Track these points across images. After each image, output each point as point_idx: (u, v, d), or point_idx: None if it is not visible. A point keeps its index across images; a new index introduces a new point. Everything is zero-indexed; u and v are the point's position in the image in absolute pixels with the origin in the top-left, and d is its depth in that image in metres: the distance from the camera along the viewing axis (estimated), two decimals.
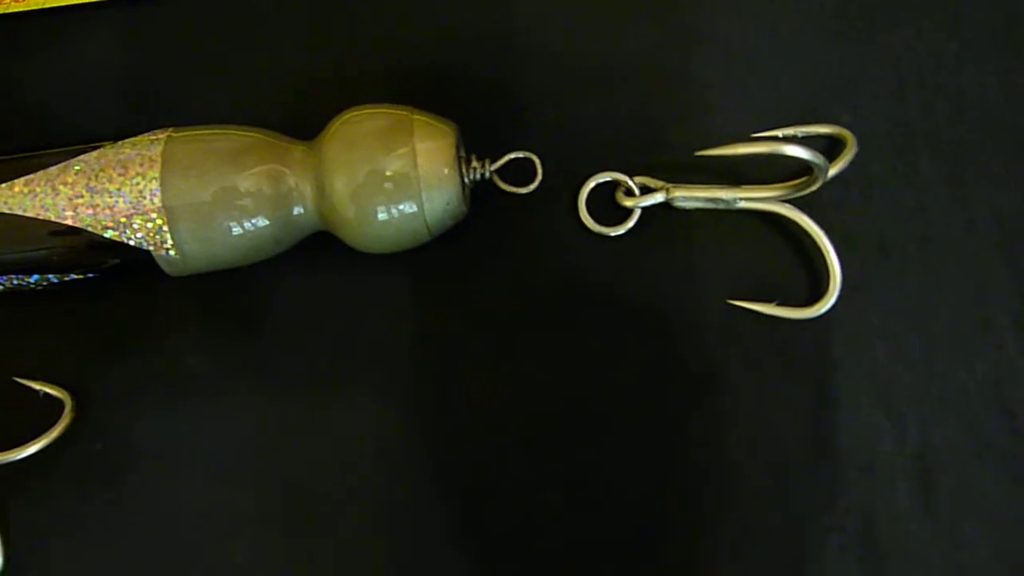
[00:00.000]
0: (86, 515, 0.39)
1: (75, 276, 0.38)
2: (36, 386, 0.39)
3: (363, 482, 0.38)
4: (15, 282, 0.38)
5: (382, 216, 0.37)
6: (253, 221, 0.37)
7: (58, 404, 0.38)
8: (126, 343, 0.40)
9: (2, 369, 0.39)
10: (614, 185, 0.40)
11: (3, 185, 0.37)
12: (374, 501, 0.38)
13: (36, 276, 0.38)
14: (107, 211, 0.36)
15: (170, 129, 0.38)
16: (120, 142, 0.37)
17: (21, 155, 0.38)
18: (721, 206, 0.38)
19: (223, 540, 0.38)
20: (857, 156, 0.38)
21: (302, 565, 0.38)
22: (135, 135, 0.38)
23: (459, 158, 0.37)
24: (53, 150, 0.38)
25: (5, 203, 0.36)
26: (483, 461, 0.38)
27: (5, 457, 0.38)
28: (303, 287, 0.40)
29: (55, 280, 0.38)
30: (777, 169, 0.39)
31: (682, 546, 0.37)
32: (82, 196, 0.36)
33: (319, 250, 0.39)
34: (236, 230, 0.37)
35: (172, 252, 0.37)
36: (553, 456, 0.38)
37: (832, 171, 0.38)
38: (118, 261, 0.37)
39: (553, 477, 0.38)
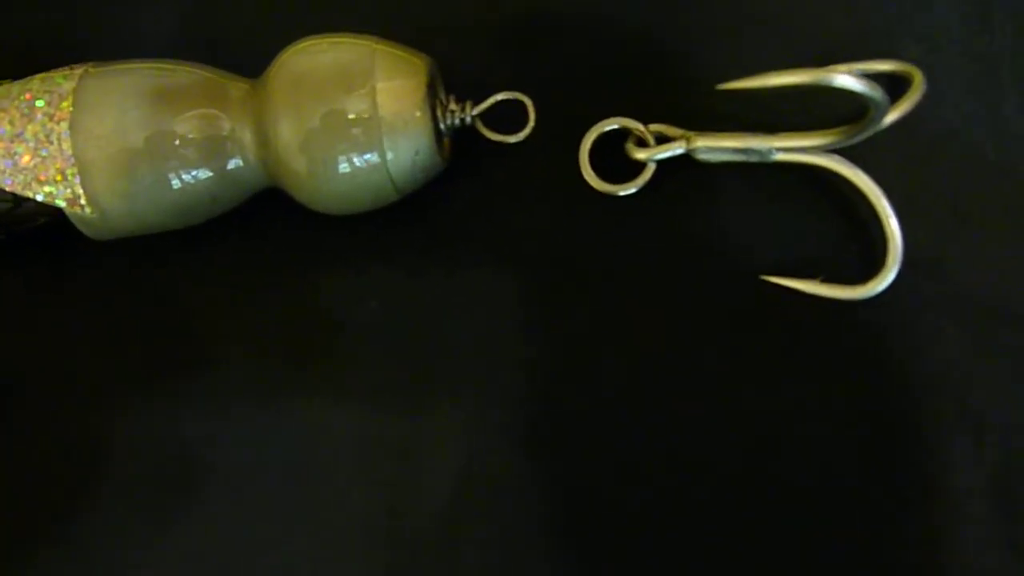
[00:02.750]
0: None
1: None
2: None
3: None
4: None
5: (338, 168, 0.30)
6: (183, 174, 0.30)
7: None
8: (38, 316, 0.34)
9: None
10: (623, 134, 0.33)
11: None
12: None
13: None
14: (7, 159, 0.30)
15: (89, 63, 0.31)
16: (27, 78, 0.31)
17: None
18: (753, 159, 0.31)
19: None
20: (925, 98, 0.31)
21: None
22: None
23: (433, 99, 0.31)
24: None
25: None
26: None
27: None
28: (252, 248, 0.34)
29: None
30: (823, 114, 0.31)
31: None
32: None
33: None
34: (162, 184, 0.30)
35: (88, 210, 0.30)
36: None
37: (892, 115, 0.30)
38: (22, 219, 0.31)
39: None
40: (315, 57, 0.30)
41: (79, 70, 0.31)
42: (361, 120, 0.30)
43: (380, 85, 0.30)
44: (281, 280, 0.34)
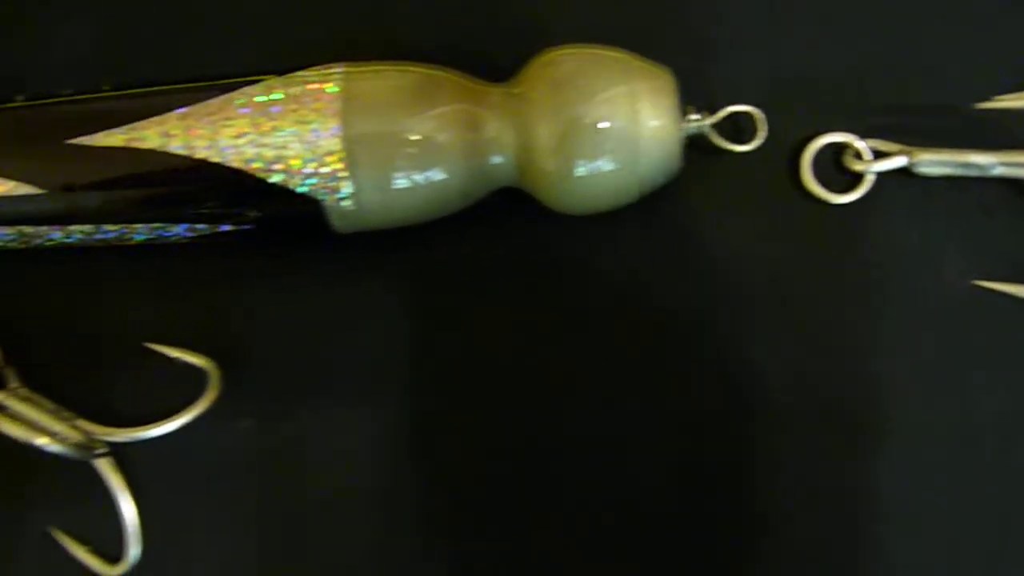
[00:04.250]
0: (225, 499, 0.34)
1: (227, 228, 0.33)
2: (173, 353, 0.34)
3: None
4: (156, 232, 0.33)
5: (591, 171, 0.32)
6: (443, 170, 0.32)
7: (200, 375, 0.33)
8: (278, 309, 0.35)
9: (137, 334, 0.34)
10: (837, 147, 0.35)
11: (154, 118, 0.32)
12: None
13: (184, 226, 0.33)
14: (275, 152, 0.31)
15: (343, 64, 0.33)
16: (288, 75, 0.32)
17: (171, 86, 0.33)
18: (973, 173, 0.33)
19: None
20: None
21: None
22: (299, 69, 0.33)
23: (680, 110, 0.33)
24: (206, 82, 0.32)
25: (162, 136, 0.31)
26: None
27: (140, 433, 0.32)
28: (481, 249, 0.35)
29: (204, 232, 0.33)
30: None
31: None
32: (246, 134, 0.31)
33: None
34: (422, 179, 0.32)
35: (347, 202, 0.32)
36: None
37: None
38: (282, 211, 0.32)
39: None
40: (572, 65, 0.32)
41: (339, 69, 0.32)
42: (620, 127, 0.31)
43: (640, 95, 0.31)
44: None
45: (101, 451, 0.32)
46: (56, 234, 0.33)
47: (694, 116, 0.33)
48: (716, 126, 0.34)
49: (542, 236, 0.35)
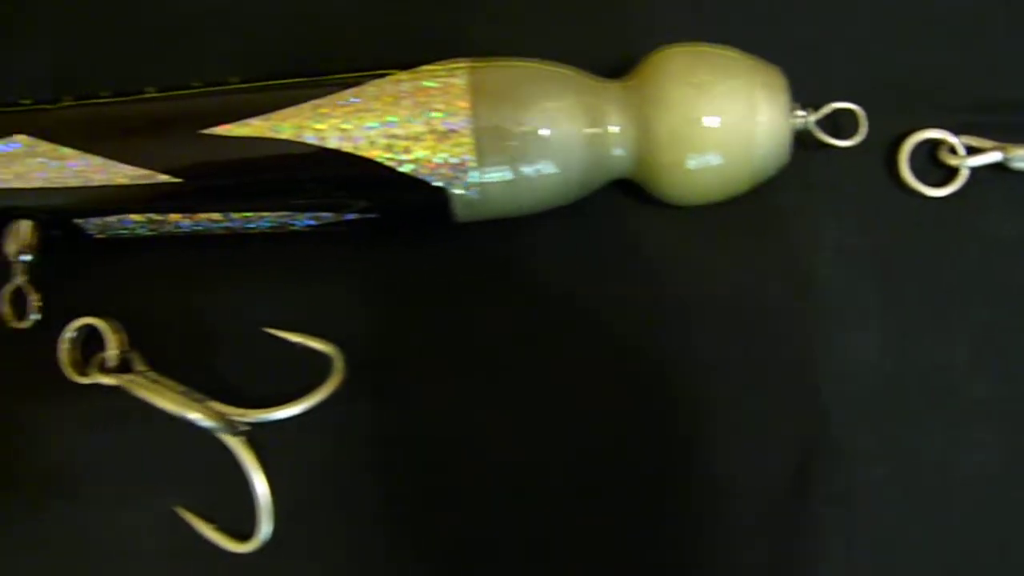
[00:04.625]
0: (350, 484, 0.35)
1: (352, 216, 0.34)
2: (295, 339, 0.35)
3: None
4: (282, 221, 0.34)
5: (706, 163, 0.33)
6: (566, 161, 0.33)
7: (322, 360, 0.34)
8: (402, 297, 0.36)
9: (259, 319, 0.35)
10: (932, 143, 0.36)
11: (287, 110, 0.33)
12: None
13: (310, 215, 0.34)
14: (405, 142, 0.32)
15: (466, 59, 0.34)
16: (415, 69, 0.33)
17: (301, 79, 0.34)
18: None
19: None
20: None
21: None
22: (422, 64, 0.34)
23: (791, 105, 0.34)
24: (334, 75, 0.34)
25: (295, 126, 0.32)
26: None
27: (270, 414, 0.33)
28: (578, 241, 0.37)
29: (328, 220, 0.34)
30: None
31: None
32: (376, 125, 0.32)
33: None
34: (546, 170, 0.33)
35: (472, 192, 0.33)
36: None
37: None
38: (409, 200, 0.33)
39: None
40: (690, 61, 0.33)
41: (464, 64, 0.33)
42: (737, 121, 0.33)
43: (756, 91, 0.33)
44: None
45: (244, 429, 0.33)
46: (185, 223, 0.34)
47: (800, 112, 0.35)
48: (819, 122, 0.35)
49: (651, 229, 0.36)
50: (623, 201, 0.36)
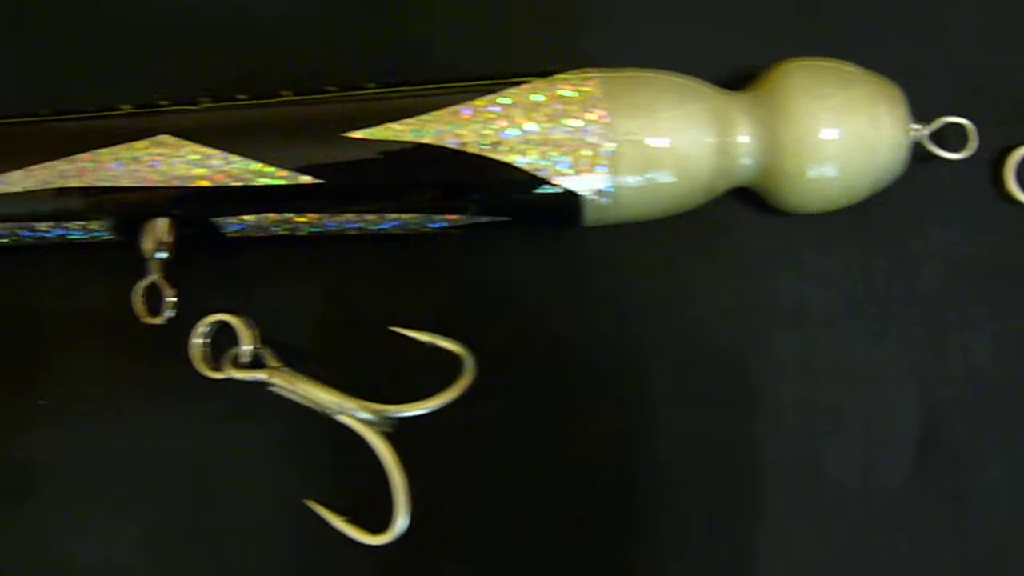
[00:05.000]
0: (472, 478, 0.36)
1: (484, 219, 0.35)
2: (424, 338, 0.36)
3: None
4: (418, 223, 0.35)
5: (829, 172, 0.34)
6: (696, 169, 0.34)
7: (452, 359, 0.35)
8: (530, 296, 0.37)
9: (387, 318, 0.36)
10: None
11: (428, 115, 0.34)
12: None
13: (445, 217, 0.35)
14: (541, 149, 0.33)
15: (598, 69, 0.35)
16: (550, 78, 0.34)
17: (440, 85, 0.35)
18: None
19: None
20: None
21: None
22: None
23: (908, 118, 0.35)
24: (473, 82, 0.35)
25: (437, 131, 0.33)
26: None
27: (407, 411, 0.34)
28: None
29: (461, 223, 0.35)
30: None
31: None
32: (515, 131, 0.33)
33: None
34: (677, 177, 0.34)
35: (605, 197, 0.34)
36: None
37: None
38: (542, 204, 0.34)
39: None
40: (815, 75, 0.35)
41: (596, 73, 0.34)
42: (859, 133, 0.34)
43: (878, 104, 0.34)
44: None
45: (394, 424, 0.34)
46: (321, 222, 0.35)
47: (915, 125, 0.36)
48: (930, 135, 0.37)
49: (761, 236, 0.38)
50: (735, 208, 0.37)
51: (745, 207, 0.37)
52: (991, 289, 0.37)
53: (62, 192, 0.34)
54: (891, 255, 0.37)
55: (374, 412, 0.33)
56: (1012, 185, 0.37)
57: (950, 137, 0.37)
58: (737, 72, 0.37)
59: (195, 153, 0.34)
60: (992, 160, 0.38)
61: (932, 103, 0.37)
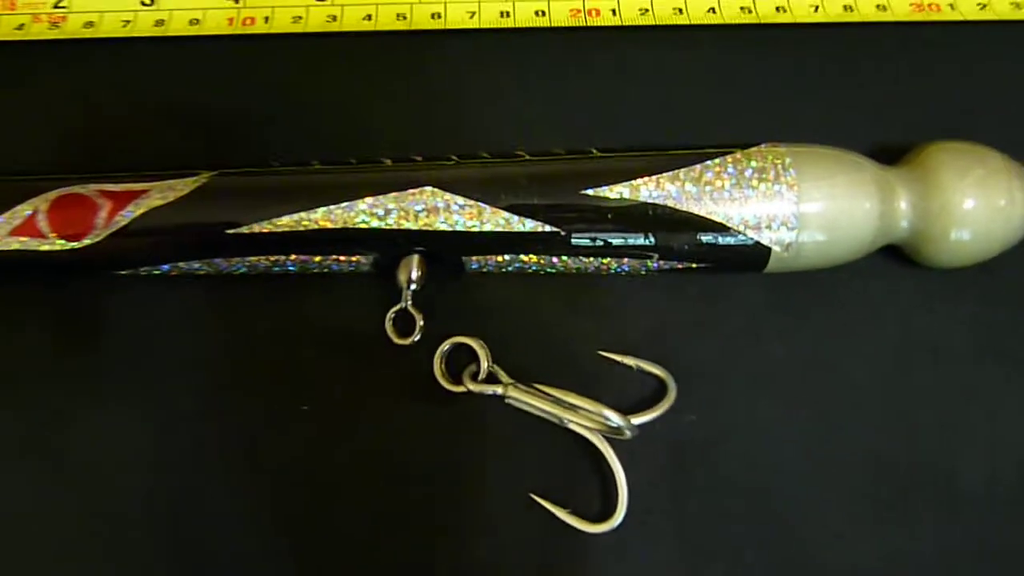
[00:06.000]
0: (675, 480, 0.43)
1: (685, 264, 0.42)
2: (630, 362, 0.43)
3: None
4: (634, 267, 0.42)
5: (968, 236, 0.42)
6: (864, 230, 0.42)
7: (654, 381, 0.43)
8: (717, 328, 0.45)
9: (587, 344, 0.44)
10: None
11: (646, 178, 0.41)
12: None
13: (656, 263, 0.42)
14: (746, 210, 0.41)
15: (782, 144, 0.42)
16: (744, 152, 0.42)
17: (658, 153, 0.42)
18: None
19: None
20: None
21: None
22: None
23: None
24: (685, 151, 0.42)
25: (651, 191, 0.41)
26: None
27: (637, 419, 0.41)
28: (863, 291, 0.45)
29: (668, 268, 0.42)
30: None
31: None
32: (722, 194, 0.41)
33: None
34: (848, 236, 0.42)
35: (787, 252, 0.41)
36: None
37: None
38: (737, 255, 0.42)
39: None
40: (962, 155, 0.42)
41: (785, 148, 0.42)
42: (1000, 205, 0.41)
43: (1014, 181, 0.42)
44: None
45: (633, 432, 0.41)
46: (552, 261, 0.42)
47: None
48: None
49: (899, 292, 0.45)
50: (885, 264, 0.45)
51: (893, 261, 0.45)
52: None
53: (340, 232, 0.41)
54: (1009, 302, 0.45)
55: (619, 418, 0.40)
56: None
57: None
58: (885, 148, 0.45)
59: (452, 202, 0.41)
60: None
61: None
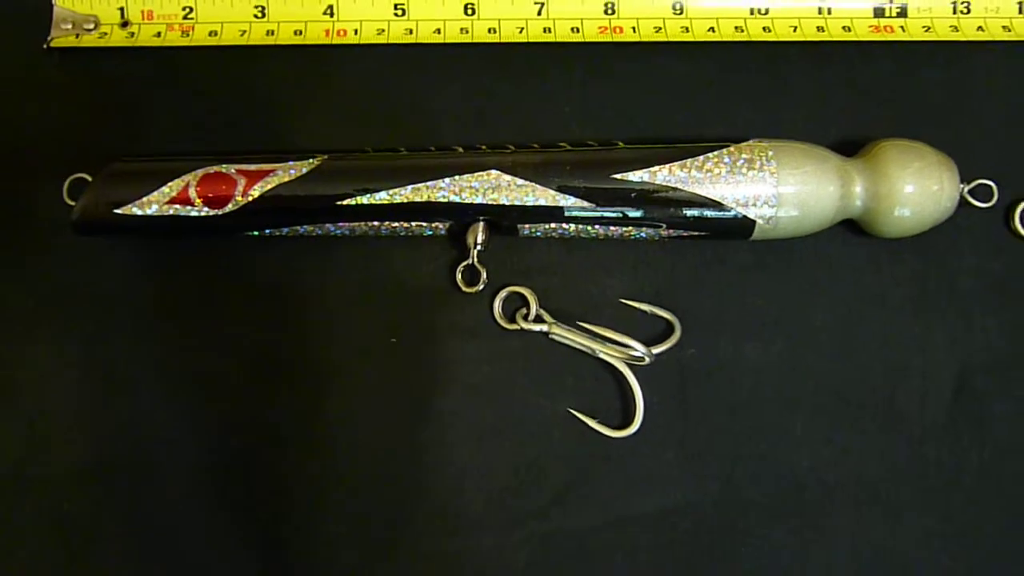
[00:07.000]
0: (677, 401, 0.55)
1: (688, 232, 0.55)
2: (645, 307, 0.55)
3: None
4: (648, 234, 0.55)
5: (908, 213, 0.54)
6: (830, 207, 0.54)
7: (663, 323, 0.55)
8: (712, 282, 0.57)
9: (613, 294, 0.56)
10: None
11: (660, 166, 0.53)
12: None
13: (665, 231, 0.54)
14: (733, 191, 0.53)
15: (767, 139, 0.54)
16: (736, 146, 0.54)
17: (670, 145, 0.55)
18: None
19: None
20: None
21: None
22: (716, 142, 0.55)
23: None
24: (689, 144, 0.54)
25: (665, 178, 0.53)
26: None
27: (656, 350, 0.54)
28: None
29: (673, 235, 0.55)
30: None
31: None
32: (720, 179, 0.53)
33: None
34: (816, 211, 0.53)
35: (769, 223, 0.54)
36: None
37: None
38: (730, 225, 0.54)
39: None
40: (902, 150, 0.54)
41: (765, 142, 0.54)
42: (932, 189, 0.53)
43: (943, 170, 0.54)
44: None
45: (652, 359, 0.53)
46: (586, 229, 0.54)
47: (961, 184, 0.56)
48: (969, 191, 0.57)
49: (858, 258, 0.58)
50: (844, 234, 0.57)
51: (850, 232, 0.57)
52: (998, 291, 0.57)
53: (423, 204, 0.53)
54: (938, 265, 0.57)
55: (642, 347, 0.53)
56: (1017, 226, 0.58)
57: (980, 193, 0.57)
58: (845, 143, 0.57)
59: (511, 182, 0.53)
60: (1005, 208, 0.58)
61: (970, 168, 0.57)
